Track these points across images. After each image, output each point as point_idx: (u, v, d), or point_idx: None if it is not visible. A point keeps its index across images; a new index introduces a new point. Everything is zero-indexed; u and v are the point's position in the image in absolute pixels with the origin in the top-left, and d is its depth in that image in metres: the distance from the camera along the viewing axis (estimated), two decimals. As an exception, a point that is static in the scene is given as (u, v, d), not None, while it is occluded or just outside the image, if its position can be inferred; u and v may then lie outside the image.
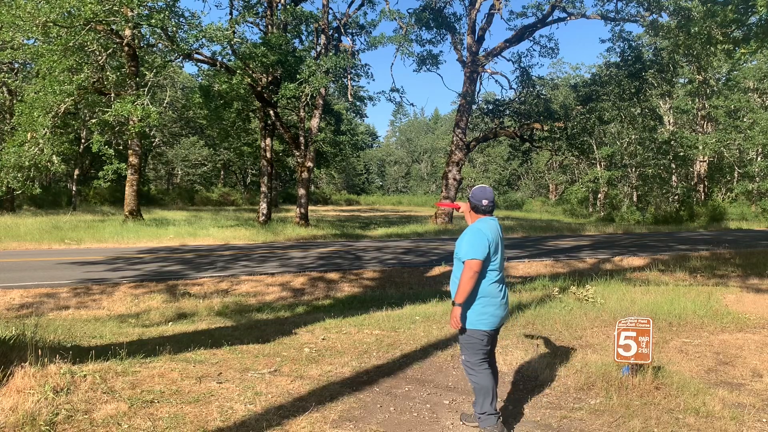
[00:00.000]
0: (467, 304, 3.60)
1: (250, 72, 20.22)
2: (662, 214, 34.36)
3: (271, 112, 22.53)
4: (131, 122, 19.12)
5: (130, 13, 17.24)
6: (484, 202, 3.65)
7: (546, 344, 5.57)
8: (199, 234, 18.39)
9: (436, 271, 12.38)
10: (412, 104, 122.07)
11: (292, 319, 7.33)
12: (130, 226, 19.42)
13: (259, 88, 21.64)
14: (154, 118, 16.56)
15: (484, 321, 3.58)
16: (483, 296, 3.60)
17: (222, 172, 58.19)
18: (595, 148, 37.08)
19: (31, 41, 18.21)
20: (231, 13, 23.09)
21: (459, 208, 3.90)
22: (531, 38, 26.29)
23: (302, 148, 22.83)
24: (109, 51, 20.30)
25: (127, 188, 22.28)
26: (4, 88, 28.97)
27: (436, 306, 7.72)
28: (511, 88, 29.53)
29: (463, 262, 3.55)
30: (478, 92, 27.07)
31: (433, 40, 26.48)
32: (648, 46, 27.49)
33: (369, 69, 27.01)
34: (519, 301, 7.62)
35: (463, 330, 3.61)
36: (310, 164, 23.26)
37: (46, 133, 15.76)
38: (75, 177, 33.99)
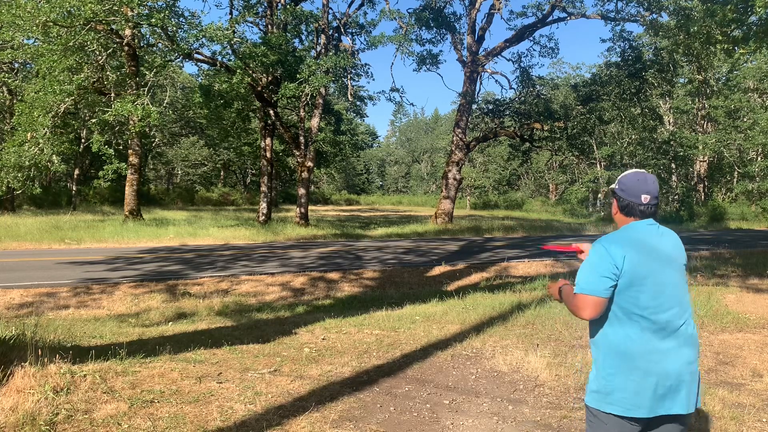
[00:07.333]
0: (598, 352, 2.24)
1: (250, 72, 20.22)
2: (662, 214, 34.37)
3: (271, 111, 22.53)
4: (131, 122, 19.14)
5: (130, 13, 17.26)
6: (644, 198, 2.22)
7: (546, 344, 5.57)
8: (199, 234, 18.39)
9: (437, 271, 12.39)
10: (412, 104, 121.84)
11: (292, 319, 7.33)
12: (130, 226, 19.41)
13: (259, 88, 21.63)
14: (154, 118, 16.57)
15: (612, 398, 2.13)
16: (617, 354, 2.14)
17: (222, 172, 58.19)
18: (595, 148, 37.10)
19: (31, 41, 18.23)
20: (231, 13, 23.07)
21: (579, 250, 2.55)
22: (531, 38, 26.32)
23: (302, 148, 22.84)
24: (109, 51, 20.30)
25: (127, 188, 22.28)
26: (4, 88, 28.95)
27: (437, 306, 7.72)
28: (511, 88, 29.59)
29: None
30: (478, 92, 27.12)
31: (433, 39, 26.54)
32: (648, 46, 27.50)
33: (369, 69, 27.12)
34: (519, 301, 7.63)
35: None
36: (310, 164, 23.27)
37: (46, 133, 15.78)
38: (75, 177, 34.00)
